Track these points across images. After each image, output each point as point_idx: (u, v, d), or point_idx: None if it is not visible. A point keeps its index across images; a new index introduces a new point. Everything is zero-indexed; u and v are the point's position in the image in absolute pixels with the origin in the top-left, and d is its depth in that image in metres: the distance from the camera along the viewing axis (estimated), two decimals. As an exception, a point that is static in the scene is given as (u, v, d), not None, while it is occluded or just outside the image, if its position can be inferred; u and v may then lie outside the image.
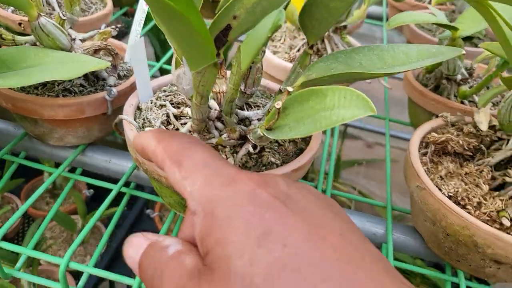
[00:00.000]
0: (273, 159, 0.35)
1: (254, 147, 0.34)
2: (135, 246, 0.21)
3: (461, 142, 0.39)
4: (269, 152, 0.36)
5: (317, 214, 0.20)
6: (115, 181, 0.44)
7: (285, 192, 0.20)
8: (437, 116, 0.44)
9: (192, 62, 0.27)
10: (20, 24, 0.50)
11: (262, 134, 0.31)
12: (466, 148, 0.39)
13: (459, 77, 0.47)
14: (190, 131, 0.36)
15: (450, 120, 0.43)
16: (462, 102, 0.48)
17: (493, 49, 0.38)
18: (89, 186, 0.98)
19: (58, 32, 0.37)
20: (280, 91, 0.37)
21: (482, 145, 0.39)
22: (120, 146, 1.04)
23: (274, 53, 0.54)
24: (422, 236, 0.40)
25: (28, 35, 0.43)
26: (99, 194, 0.54)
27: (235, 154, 0.35)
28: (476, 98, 0.48)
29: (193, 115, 0.32)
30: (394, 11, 0.79)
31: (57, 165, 0.48)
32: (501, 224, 0.33)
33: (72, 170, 0.46)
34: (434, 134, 0.40)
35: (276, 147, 0.37)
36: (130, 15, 1.21)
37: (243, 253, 0.17)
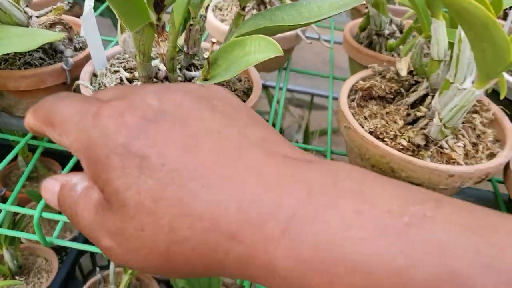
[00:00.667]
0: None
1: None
2: (50, 191, 0.22)
3: (383, 87, 0.44)
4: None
5: (194, 118, 0.20)
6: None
7: (155, 109, 0.20)
8: (369, 68, 0.50)
9: (130, 24, 0.31)
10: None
11: (200, 84, 0.35)
12: (388, 92, 0.44)
13: (386, 32, 0.52)
14: (141, 91, 0.40)
15: (378, 70, 0.48)
16: (392, 55, 0.53)
17: (406, 3, 0.43)
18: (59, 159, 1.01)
19: (14, 9, 0.41)
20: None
21: (402, 89, 0.45)
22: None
23: (222, 21, 0.58)
24: (356, 172, 0.46)
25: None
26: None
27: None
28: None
29: (139, 73, 0.37)
30: None
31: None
32: (413, 151, 0.39)
33: (40, 139, 0.50)
34: (361, 82, 0.45)
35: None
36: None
37: (129, 184, 0.19)
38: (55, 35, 0.41)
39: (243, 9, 0.40)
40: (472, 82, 0.34)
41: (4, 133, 0.49)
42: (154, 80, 0.39)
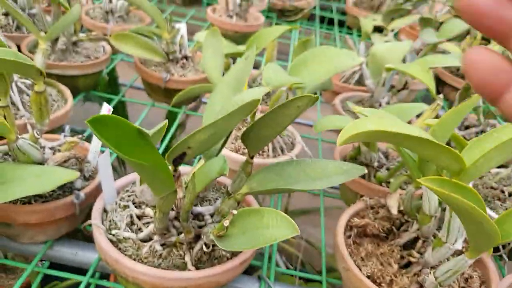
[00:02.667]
0: (224, 253, 0.42)
1: (207, 245, 0.41)
2: None
3: (377, 225, 0.48)
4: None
5: None
6: (80, 270, 0.49)
7: None
8: (361, 196, 0.54)
9: (157, 191, 0.34)
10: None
11: (213, 239, 0.38)
12: (381, 231, 0.48)
13: (375, 164, 0.57)
14: (152, 233, 0.42)
15: (369, 204, 0.52)
16: (381, 185, 0.58)
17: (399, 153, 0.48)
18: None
19: (33, 149, 0.43)
20: (228, 193, 0.44)
21: (393, 227, 0.48)
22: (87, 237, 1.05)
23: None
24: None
25: None
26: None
27: (191, 250, 0.42)
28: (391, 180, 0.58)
29: (156, 224, 0.39)
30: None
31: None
32: (408, 298, 0.42)
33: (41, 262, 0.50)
34: (355, 219, 0.49)
35: (226, 240, 0.44)
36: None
37: None
38: (70, 175, 0.43)
39: (251, 157, 0.43)
40: (464, 242, 0.38)
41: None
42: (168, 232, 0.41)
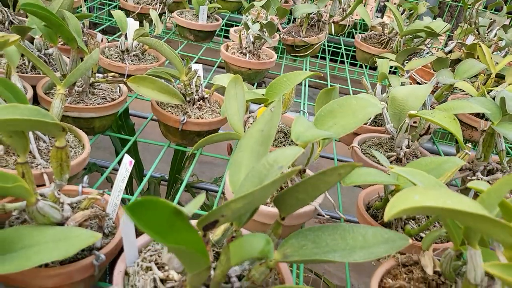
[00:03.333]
0: (254, 323, 0.39)
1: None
2: None
3: (412, 288, 0.45)
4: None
5: None
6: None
7: None
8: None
9: (191, 268, 0.31)
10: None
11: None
12: (417, 294, 0.45)
13: (404, 216, 0.54)
14: (178, 300, 0.39)
15: (401, 261, 0.49)
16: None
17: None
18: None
19: (53, 210, 0.41)
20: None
21: (430, 290, 0.45)
22: None
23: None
24: None
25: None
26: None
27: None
28: (422, 234, 0.55)
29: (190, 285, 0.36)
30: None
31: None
32: None
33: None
34: (389, 280, 0.46)
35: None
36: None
37: None
38: (92, 238, 0.40)
39: (283, 219, 0.41)
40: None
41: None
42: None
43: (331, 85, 0.90)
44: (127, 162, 0.50)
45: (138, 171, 1.28)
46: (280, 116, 0.45)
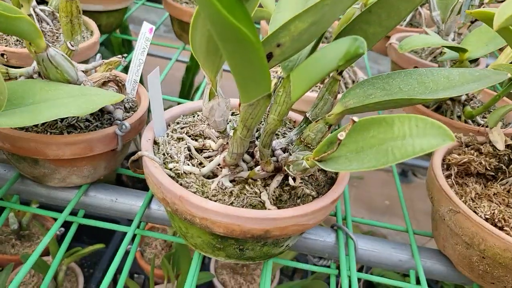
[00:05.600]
0: (308, 191, 0.34)
1: (293, 179, 0.32)
2: None
3: (483, 162, 0.39)
4: (301, 183, 0.34)
5: None
6: (112, 221, 0.41)
7: None
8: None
9: (248, 94, 0.25)
10: (2, 55, 0.46)
11: (307, 166, 0.29)
12: (488, 168, 0.39)
13: (463, 97, 0.48)
14: (219, 165, 0.33)
15: (464, 141, 0.43)
16: (465, 122, 0.49)
17: (505, 69, 0.39)
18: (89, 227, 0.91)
19: (67, 64, 0.34)
20: (306, 119, 0.35)
21: (502, 164, 0.40)
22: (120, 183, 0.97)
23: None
24: (451, 260, 0.40)
25: (16, 67, 0.39)
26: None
27: (267, 187, 0.33)
28: (479, 119, 0.49)
29: (233, 149, 0.30)
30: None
31: (46, 207, 0.43)
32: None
33: (73, 212, 0.42)
34: (455, 155, 0.40)
35: (306, 178, 0.36)
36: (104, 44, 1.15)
37: None
38: (116, 97, 0.34)
39: (339, 73, 0.34)
40: None
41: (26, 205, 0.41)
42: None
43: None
44: (147, 30, 0.43)
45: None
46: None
